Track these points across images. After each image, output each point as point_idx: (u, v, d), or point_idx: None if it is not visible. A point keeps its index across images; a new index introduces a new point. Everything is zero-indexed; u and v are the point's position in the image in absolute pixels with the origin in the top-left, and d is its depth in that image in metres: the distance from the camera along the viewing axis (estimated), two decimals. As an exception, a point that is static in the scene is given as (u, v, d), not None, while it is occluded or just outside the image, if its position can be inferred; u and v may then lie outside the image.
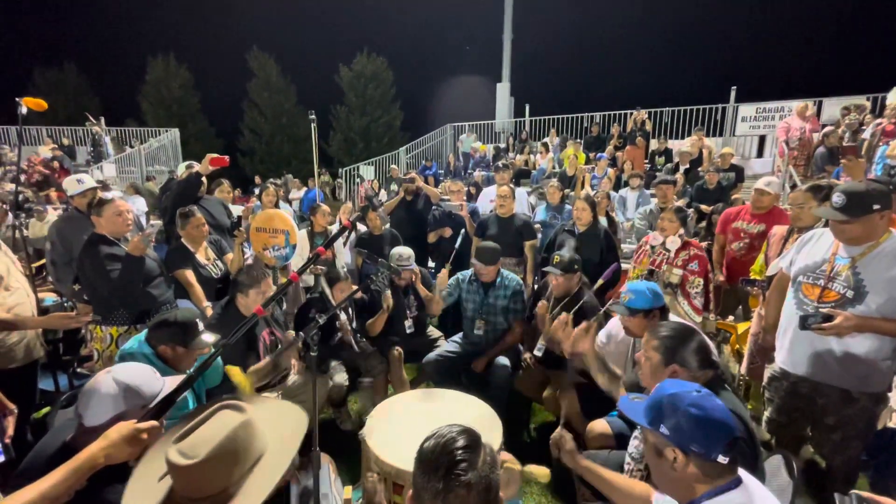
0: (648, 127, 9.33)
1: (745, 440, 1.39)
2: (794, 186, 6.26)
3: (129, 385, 1.31)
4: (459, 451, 0.97)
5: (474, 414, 2.20)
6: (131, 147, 12.59)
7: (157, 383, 1.39)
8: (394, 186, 5.45)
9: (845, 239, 1.91)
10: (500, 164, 5.15)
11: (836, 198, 1.84)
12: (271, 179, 7.93)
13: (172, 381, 1.43)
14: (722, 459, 1.04)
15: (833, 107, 8.14)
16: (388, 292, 3.11)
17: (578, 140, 10.03)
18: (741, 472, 1.10)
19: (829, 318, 1.80)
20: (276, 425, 1.18)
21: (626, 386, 1.96)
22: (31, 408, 2.44)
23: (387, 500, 1.87)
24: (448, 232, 4.34)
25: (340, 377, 2.95)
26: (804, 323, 1.87)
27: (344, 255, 4.47)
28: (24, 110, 2.50)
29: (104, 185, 3.68)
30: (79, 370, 3.21)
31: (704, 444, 1.04)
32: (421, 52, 28.11)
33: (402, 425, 2.11)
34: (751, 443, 1.40)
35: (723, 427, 1.05)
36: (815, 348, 1.97)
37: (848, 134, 6.24)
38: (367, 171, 11.63)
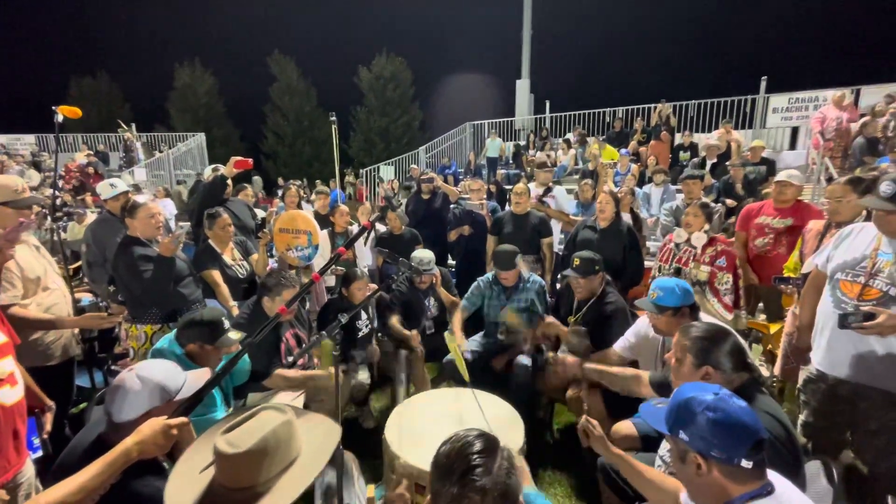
0: (673, 122, 9.06)
1: (787, 446, 1.32)
2: (829, 179, 5.99)
3: (153, 381, 1.36)
4: (475, 456, 0.96)
5: (495, 414, 2.18)
6: (160, 152, 13.03)
7: (179, 378, 1.44)
8: (414, 186, 5.51)
9: (891, 231, 1.81)
10: (541, 162, 5.11)
11: (886, 186, 1.74)
12: (292, 180, 8.07)
13: (194, 376, 1.48)
14: (746, 464, 0.99)
15: (872, 95, 7.74)
16: (416, 333, 3.12)
17: (602, 136, 9.86)
18: (776, 478, 1.05)
19: (870, 316, 1.71)
20: (311, 433, 1.23)
21: (653, 383, 1.90)
22: (68, 404, 2.54)
23: (410, 500, 1.88)
24: (468, 230, 4.33)
25: (363, 375, 2.97)
26: (844, 322, 1.78)
27: (365, 255, 4.51)
28: (59, 118, 2.60)
29: (136, 189, 3.82)
30: (113, 367, 3.33)
31: (726, 449, 0.99)
32: (440, 51, 28.12)
33: (424, 425, 2.11)
34: (792, 448, 1.34)
35: (744, 430, 1.00)
36: (855, 348, 1.87)
37: (894, 123, 5.93)
38: (386, 171, 11.72)
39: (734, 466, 1.00)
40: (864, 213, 2.42)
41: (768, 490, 1.01)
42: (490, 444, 1.02)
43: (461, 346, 2.81)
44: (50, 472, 1.35)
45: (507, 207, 5.08)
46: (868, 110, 7.22)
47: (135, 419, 1.30)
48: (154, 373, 1.38)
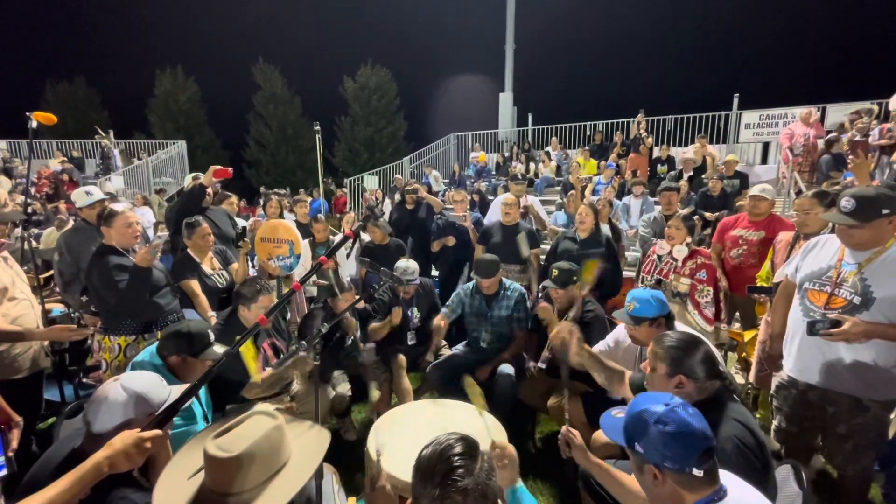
0: (643, 131, 9.27)
1: (755, 452, 1.36)
2: (799, 193, 6.23)
3: (138, 393, 1.33)
4: (456, 458, 0.98)
5: (478, 424, 2.17)
6: (139, 159, 12.77)
7: (163, 391, 1.41)
8: (398, 196, 5.54)
9: (853, 244, 1.89)
10: (518, 175, 5.18)
11: (846, 202, 1.82)
12: (276, 189, 8.00)
13: (178, 391, 1.44)
14: (697, 472, 1.02)
15: (837, 113, 8.13)
16: (398, 309, 3.08)
17: (587, 147, 10.07)
18: (730, 481, 1.09)
19: (837, 323, 1.78)
20: (301, 438, 1.22)
21: (633, 385, 1.92)
22: (36, 418, 2.45)
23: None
24: (452, 241, 4.35)
25: (343, 387, 2.94)
26: (812, 329, 1.84)
27: (348, 266, 4.48)
28: (34, 124, 2.54)
29: (113, 197, 3.74)
30: (84, 380, 3.22)
31: (676, 459, 1.03)
32: (424, 63, 28.42)
33: (407, 436, 2.09)
34: (761, 454, 1.37)
35: (693, 440, 1.03)
36: (823, 355, 1.95)
37: (858, 138, 6.23)
38: (370, 181, 11.71)
39: (686, 475, 1.03)
40: (830, 224, 2.53)
41: (721, 495, 1.05)
42: (470, 446, 1.04)
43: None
44: (19, 486, 1.29)
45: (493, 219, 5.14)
46: (834, 127, 7.56)
47: (111, 430, 1.26)
48: (138, 383, 1.36)
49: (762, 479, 1.29)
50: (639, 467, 1.11)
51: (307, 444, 1.22)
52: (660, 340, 1.61)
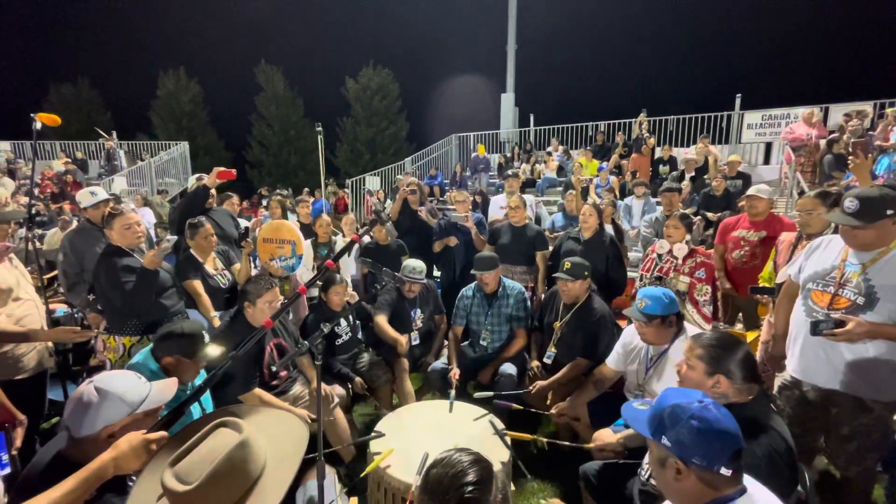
0: (645, 131, 9.22)
1: (787, 462, 1.36)
2: (801, 193, 6.21)
3: (110, 392, 1.28)
4: (470, 488, 0.93)
5: (481, 426, 2.18)
6: (142, 160, 12.82)
7: (142, 389, 1.35)
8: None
9: (857, 245, 1.88)
10: (508, 172, 5.21)
11: (850, 203, 1.81)
12: (278, 189, 8.01)
13: (160, 386, 1.41)
14: (725, 472, 1.01)
15: (840, 113, 8.11)
16: (404, 337, 3.06)
17: (588, 148, 10.06)
18: (748, 480, 1.08)
19: (840, 323, 1.77)
20: (276, 442, 1.16)
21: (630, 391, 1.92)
22: (40, 418, 2.46)
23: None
24: (454, 241, 4.35)
25: (340, 389, 2.93)
26: (816, 329, 1.83)
27: (349, 265, 4.49)
28: (38, 126, 2.55)
29: (117, 198, 3.74)
30: (88, 380, 3.24)
31: (707, 456, 1.02)
32: (426, 63, 28.49)
33: (409, 439, 2.09)
34: (790, 462, 1.36)
35: (726, 439, 1.03)
36: (826, 355, 1.94)
37: (852, 140, 6.21)
38: (372, 181, 11.71)
39: (713, 473, 1.02)
40: (833, 225, 2.52)
41: (741, 492, 1.04)
42: (484, 473, 0.99)
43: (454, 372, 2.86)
44: (13, 488, 1.29)
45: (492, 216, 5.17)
46: (836, 127, 7.53)
47: (95, 434, 1.24)
48: (114, 384, 1.30)
49: (786, 492, 1.27)
50: (661, 461, 1.10)
51: (284, 449, 1.15)
52: (698, 338, 1.58)
